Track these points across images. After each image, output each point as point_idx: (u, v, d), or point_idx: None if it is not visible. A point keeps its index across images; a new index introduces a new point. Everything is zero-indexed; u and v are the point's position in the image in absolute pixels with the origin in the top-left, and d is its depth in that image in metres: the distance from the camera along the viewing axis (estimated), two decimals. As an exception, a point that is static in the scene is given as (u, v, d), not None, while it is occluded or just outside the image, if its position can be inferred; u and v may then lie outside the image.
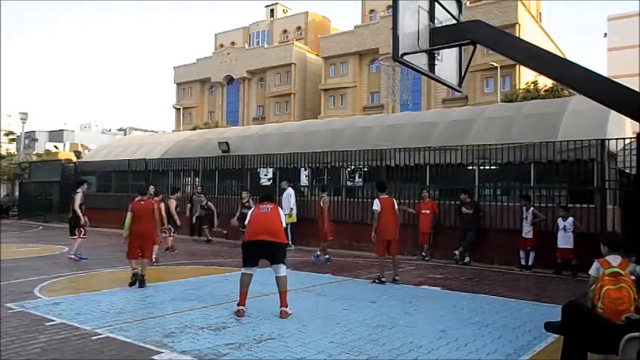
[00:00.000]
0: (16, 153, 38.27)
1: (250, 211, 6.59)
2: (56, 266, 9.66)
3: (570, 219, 9.90)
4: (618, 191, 10.75)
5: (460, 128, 12.90)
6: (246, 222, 6.48)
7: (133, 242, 7.80)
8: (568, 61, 4.56)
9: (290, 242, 13.33)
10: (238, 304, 6.11)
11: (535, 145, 10.94)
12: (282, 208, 12.95)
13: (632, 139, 10.06)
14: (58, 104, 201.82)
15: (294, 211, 13.51)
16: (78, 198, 10.90)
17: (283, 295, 6.11)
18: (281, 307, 6.07)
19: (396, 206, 8.95)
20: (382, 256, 8.75)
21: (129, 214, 7.85)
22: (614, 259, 4.44)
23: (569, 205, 10.33)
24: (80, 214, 10.89)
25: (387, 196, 8.99)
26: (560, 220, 9.99)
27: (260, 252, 6.15)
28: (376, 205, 8.63)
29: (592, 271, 4.55)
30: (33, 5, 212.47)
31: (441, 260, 11.53)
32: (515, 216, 10.87)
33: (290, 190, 13.68)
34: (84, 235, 10.92)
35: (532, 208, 10.47)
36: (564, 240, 9.87)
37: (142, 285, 7.55)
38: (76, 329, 5.31)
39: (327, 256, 11.05)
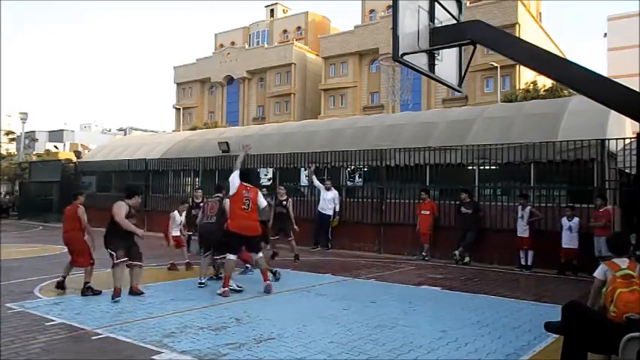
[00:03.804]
0: (16, 153, 38.28)
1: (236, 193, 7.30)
2: (56, 266, 9.61)
3: (576, 219, 9.88)
4: (618, 191, 10.75)
5: (460, 128, 12.91)
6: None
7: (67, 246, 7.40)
8: (568, 61, 4.55)
9: (329, 244, 13.49)
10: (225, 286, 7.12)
11: (535, 145, 10.94)
12: (324, 208, 13.14)
13: (632, 139, 10.07)
14: (58, 104, 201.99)
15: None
16: None
17: (265, 272, 7.49)
18: (265, 281, 7.38)
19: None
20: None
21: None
22: (622, 262, 4.27)
23: (572, 205, 10.33)
24: None
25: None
26: (564, 220, 9.98)
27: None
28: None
29: (598, 274, 4.36)
30: (33, 5, 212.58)
31: (441, 260, 11.53)
32: (515, 216, 10.86)
33: (336, 193, 13.31)
34: None
35: (529, 207, 10.48)
36: (570, 240, 9.85)
37: (83, 293, 6.97)
38: (76, 329, 5.31)
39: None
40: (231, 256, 7.28)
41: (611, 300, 4.08)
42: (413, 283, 8.66)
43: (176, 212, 10.19)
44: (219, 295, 7.01)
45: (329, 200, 13.20)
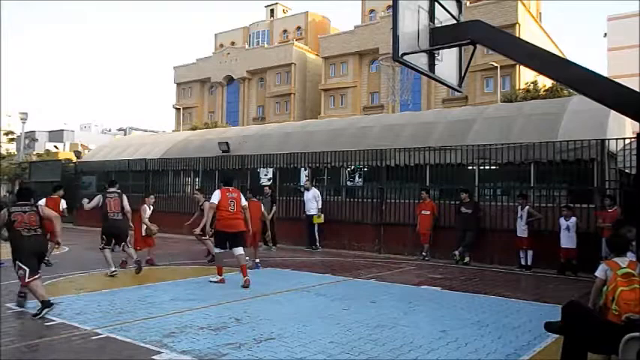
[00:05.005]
0: (16, 153, 38.30)
1: (219, 197, 7.98)
2: (56, 266, 9.63)
3: (573, 219, 9.88)
4: (618, 191, 10.75)
5: (460, 128, 12.90)
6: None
7: None
8: (568, 61, 4.55)
9: (318, 244, 13.40)
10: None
11: (535, 145, 10.94)
12: (308, 209, 13.36)
13: (632, 139, 10.06)
14: (58, 104, 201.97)
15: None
16: None
17: (244, 268, 7.94)
18: (244, 277, 7.82)
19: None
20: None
21: None
22: (622, 261, 4.31)
23: (570, 205, 10.33)
24: None
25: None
26: (562, 220, 9.98)
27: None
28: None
29: (599, 273, 4.41)
30: (33, 5, 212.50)
31: (441, 260, 11.53)
32: (515, 216, 10.86)
33: (316, 191, 13.53)
34: None
35: (527, 207, 10.49)
36: (568, 240, 9.85)
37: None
38: (76, 329, 5.31)
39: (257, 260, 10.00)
40: (217, 250, 8.30)
41: (612, 299, 4.11)
42: (413, 283, 8.66)
43: (146, 206, 10.16)
44: (243, 287, 7.68)
45: (310, 200, 13.40)
